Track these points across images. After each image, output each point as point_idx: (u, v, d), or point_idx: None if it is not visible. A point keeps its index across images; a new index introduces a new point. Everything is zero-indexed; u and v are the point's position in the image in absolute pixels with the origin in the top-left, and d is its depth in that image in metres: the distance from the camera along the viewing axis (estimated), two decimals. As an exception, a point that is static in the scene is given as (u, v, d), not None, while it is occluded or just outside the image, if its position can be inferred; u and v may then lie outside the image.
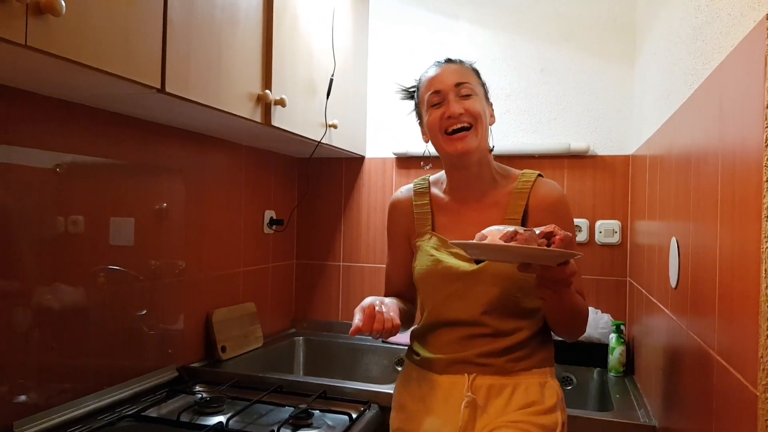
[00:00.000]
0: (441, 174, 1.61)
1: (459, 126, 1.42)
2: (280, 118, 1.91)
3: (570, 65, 2.56)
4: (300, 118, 2.07)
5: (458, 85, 1.44)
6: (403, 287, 1.61)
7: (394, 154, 2.72)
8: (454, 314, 1.44)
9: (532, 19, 2.61)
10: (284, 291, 2.77)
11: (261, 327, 2.44)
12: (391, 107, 2.76)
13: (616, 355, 2.23)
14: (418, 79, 1.56)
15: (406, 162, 2.74)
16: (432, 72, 1.49)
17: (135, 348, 1.84)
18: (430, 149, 1.56)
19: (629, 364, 2.26)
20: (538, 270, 1.18)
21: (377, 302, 1.30)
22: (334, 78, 2.29)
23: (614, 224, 2.47)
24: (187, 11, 1.47)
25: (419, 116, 1.56)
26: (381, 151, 2.78)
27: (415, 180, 1.65)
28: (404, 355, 1.60)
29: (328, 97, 2.27)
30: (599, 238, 2.48)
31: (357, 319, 1.26)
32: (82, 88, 1.43)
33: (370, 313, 1.27)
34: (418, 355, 1.50)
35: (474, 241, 1.20)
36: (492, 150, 1.55)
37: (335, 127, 2.33)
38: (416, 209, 1.58)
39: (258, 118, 1.81)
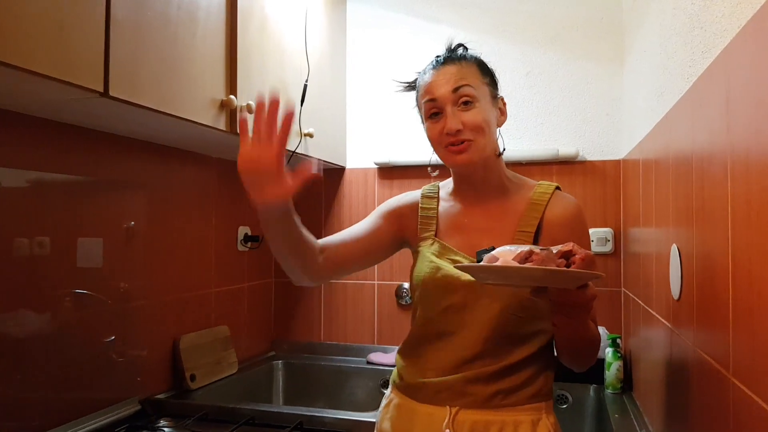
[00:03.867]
0: (450, 180, 1.48)
1: (457, 140, 1.28)
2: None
3: (556, 68, 2.46)
4: (271, 126, 1.94)
5: (456, 90, 1.28)
6: (337, 246, 1.37)
7: (376, 164, 2.60)
8: (448, 329, 1.31)
9: (516, 22, 2.50)
10: (261, 312, 2.62)
11: (236, 352, 2.29)
12: (372, 115, 2.64)
13: (613, 370, 2.11)
14: (418, 74, 1.41)
15: (389, 172, 2.61)
16: (428, 76, 1.34)
17: (94, 380, 1.70)
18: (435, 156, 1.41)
19: (627, 380, 2.13)
20: (554, 294, 1.06)
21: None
22: (308, 84, 2.17)
23: (606, 232, 2.35)
24: (135, 8, 1.34)
25: (421, 118, 1.40)
26: (362, 162, 2.66)
27: (425, 186, 1.51)
28: (389, 376, 1.46)
29: (302, 104, 2.14)
30: (591, 247, 2.34)
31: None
32: (15, 94, 1.29)
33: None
34: (401, 378, 1.36)
35: (483, 263, 1.07)
36: (501, 153, 1.41)
37: (311, 136, 2.20)
38: (422, 212, 1.44)
39: (222, 125, 1.68)
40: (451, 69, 1.31)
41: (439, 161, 1.38)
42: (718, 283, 1.00)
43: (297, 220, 1.26)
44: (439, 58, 1.36)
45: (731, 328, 0.93)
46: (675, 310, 1.34)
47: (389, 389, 1.42)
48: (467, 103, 1.28)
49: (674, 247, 1.32)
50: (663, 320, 1.47)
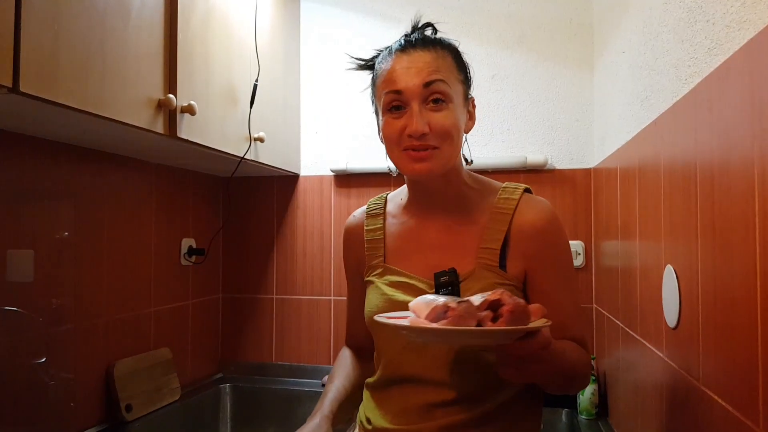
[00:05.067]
0: (403, 187, 1.30)
1: (420, 146, 1.09)
2: (188, 129, 1.58)
3: (523, 71, 2.32)
4: (216, 129, 1.75)
5: (428, 84, 1.07)
6: (367, 335, 1.29)
7: (333, 171, 2.42)
8: (411, 371, 1.13)
9: (481, 21, 2.36)
10: (208, 331, 2.40)
11: (179, 376, 2.07)
12: (328, 119, 2.46)
13: (587, 395, 1.97)
14: (378, 53, 1.20)
15: (347, 180, 2.44)
16: (393, 60, 1.11)
17: (19, 410, 1.48)
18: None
19: (601, 405, 2.00)
20: (492, 348, 0.92)
21: None
22: (258, 83, 1.98)
23: (577, 245, 2.23)
24: (52, -8, 1.14)
25: (375, 109, 1.20)
26: (317, 169, 2.48)
27: (370, 200, 1.32)
28: (356, 411, 1.28)
29: (251, 106, 1.95)
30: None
31: None
32: None
33: None
34: (369, 422, 1.18)
35: (394, 320, 0.94)
36: (470, 163, 1.26)
37: (262, 140, 2.01)
38: (367, 236, 1.26)
39: (159, 128, 1.48)
40: (424, 56, 1.10)
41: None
42: (739, 315, 0.85)
43: (341, 402, 1.22)
44: (409, 39, 1.14)
45: (761, 373, 0.78)
46: (671, 340, 1.20)
47: (356, 429, 1.25)
48: (438, 102, 1.08)
49: (669, 269, 1.18)
50: (653, 349, 1.33)
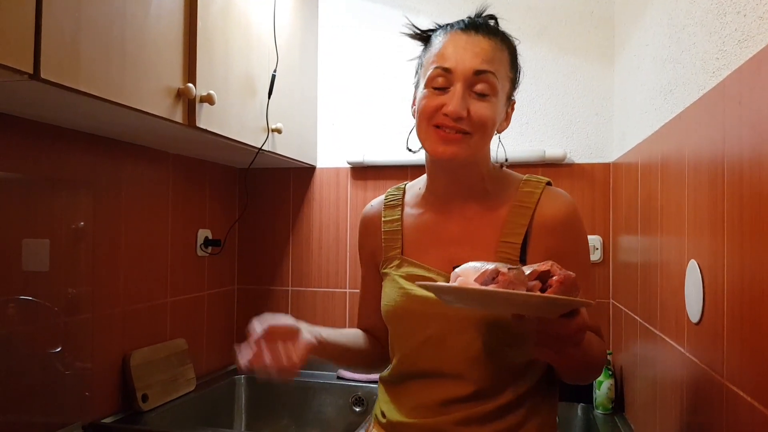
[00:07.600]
0: (422, 177, 1.27)
1: (452, 127, 1.07)
2: (207, 119, 1.58)
3: (543, 64, 2.30)
4: (235, 119, 1.74)
5: (479, 73, 1.05)
6: (377, 321, 1.27)
7: (349, 163, 2.41)
8: (428, 366, 1.12)
9: (501, 13, 2.27)
10: (223, 322, 2.41)
11: (194, 367, 2.07)
12: (346, 110, 2.45)
13: (603, 389, 1.96)
14: (436, 28, 1.16)
15: (363, 172, 2.43)
16: (452, 37, 1.08)
17: (35, 399, 1.49)
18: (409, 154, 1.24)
19: (618, 400, 1.98)
20: (532, 323, 0.89)
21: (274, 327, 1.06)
22: (276, 74, 1.97)
23: (595, 240, 2.21)
24: (73, -23, 1.14)
25: (416, 81, 1.18)
26: (334, 160, 2.47)
27: (388, 190, 1.31)
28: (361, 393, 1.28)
29: (269, 97, 1.94)
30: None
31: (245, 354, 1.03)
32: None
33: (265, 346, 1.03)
34: (384, 415, 1.18)
35: (441, 282, 0.93)
36: (505, 161, 1.25)
37: (279, 131, 2.00)
38: (385, 227, 1.24)
39: (179, 117, 1.48)
40: (482, 43, 1.07)
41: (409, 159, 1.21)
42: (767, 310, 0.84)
43: (334, 340, 1.20)
44: (473, 20, 1.12)
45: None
46: (693, 335, 1.18)
47: (371, 423, 1.24)
48: (483, 95, 1.07)
49: (693, 264, 1.16)
50: (673, 344, 1.32)
